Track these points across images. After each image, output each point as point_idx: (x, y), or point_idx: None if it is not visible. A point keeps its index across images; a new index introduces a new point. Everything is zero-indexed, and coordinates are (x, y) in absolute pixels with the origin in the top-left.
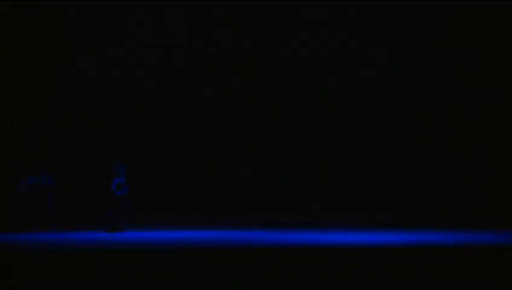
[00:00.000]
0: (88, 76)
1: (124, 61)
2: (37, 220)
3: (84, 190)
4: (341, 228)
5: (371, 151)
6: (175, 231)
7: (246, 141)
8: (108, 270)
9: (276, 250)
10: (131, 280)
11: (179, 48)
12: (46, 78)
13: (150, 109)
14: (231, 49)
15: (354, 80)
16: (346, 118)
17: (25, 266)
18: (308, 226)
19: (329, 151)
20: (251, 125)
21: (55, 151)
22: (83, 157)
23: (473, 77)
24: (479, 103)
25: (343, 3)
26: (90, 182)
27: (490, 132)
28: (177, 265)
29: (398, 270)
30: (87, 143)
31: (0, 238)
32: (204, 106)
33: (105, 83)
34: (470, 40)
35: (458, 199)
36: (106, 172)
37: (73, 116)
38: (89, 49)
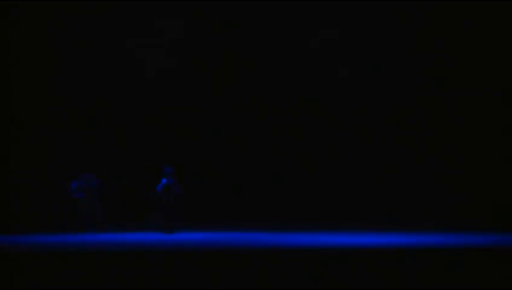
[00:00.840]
0: (79, 77)
1: (114, 62)
2: (88, 221)
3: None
4: (325, 229)
5: (354, 152)
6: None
7: (238, 142)
8: (107, 272)
9: (274, 251)
10: (130, 281)
11: (168, 48)
12: (38, 78)
13: (138, 110)
14: (219, 50)
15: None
16: (329, 119)
17: (25, 267)
18: (299, 228)
19: (313, 152)
20: (242, 126)
21: (55, 152)
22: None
23: (454, 77)
24: (460, 103)
25: (324, 3)
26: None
27: (472, 131)
28: (175, 267)
29: (391, 272)
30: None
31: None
32: (194, 106)
33: (96, 83)
34: (451, 40)
35: (439, 199)
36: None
37: (64, 116)
38: (79, 51)
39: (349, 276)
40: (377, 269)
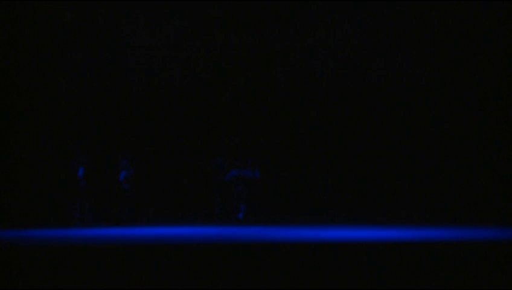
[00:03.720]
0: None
1: (124, 56)
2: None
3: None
4: (340, 223)
5: (369, 147)
6: (173, 227)
7: (240, 138)
8: (107, 267)
9: (276, 246)
10: (132, 277)
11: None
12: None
13: (149, 109)
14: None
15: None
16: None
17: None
18: (305, 222)
19: (329, 145)
20: (247, 123)
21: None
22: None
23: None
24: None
25: (345, 3)
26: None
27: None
28: (176, 262)
29: (399, 266)
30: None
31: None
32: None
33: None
34: (439, 36)
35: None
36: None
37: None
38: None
39: (349, 271)
40: (376, 263)
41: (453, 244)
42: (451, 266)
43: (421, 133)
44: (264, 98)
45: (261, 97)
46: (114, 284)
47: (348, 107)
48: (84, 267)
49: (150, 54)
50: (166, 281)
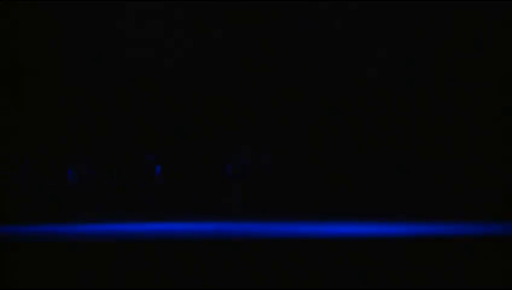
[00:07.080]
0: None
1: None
2: None
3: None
4: (336, 219)
5: (369, 145)
6: (168, 223)
7: (240, 131)
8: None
9: (270, 242)
10: (127, 275)
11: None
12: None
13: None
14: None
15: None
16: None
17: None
18: (301, 217)
19: (326, 141)
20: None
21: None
22: None
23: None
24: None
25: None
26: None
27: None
28: (171, 258)
29: (399, 262)
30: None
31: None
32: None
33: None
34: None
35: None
36: None
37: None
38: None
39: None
40: (376, 259)
41: (452, 241)
42: (451, 263)
43: (421, 128)
44: (263, 93)
45: (261, 91)
46: (113, 282)
47: (348, 101)
48: (81, 264)
49: (149, 47)
50: (164, 278)
